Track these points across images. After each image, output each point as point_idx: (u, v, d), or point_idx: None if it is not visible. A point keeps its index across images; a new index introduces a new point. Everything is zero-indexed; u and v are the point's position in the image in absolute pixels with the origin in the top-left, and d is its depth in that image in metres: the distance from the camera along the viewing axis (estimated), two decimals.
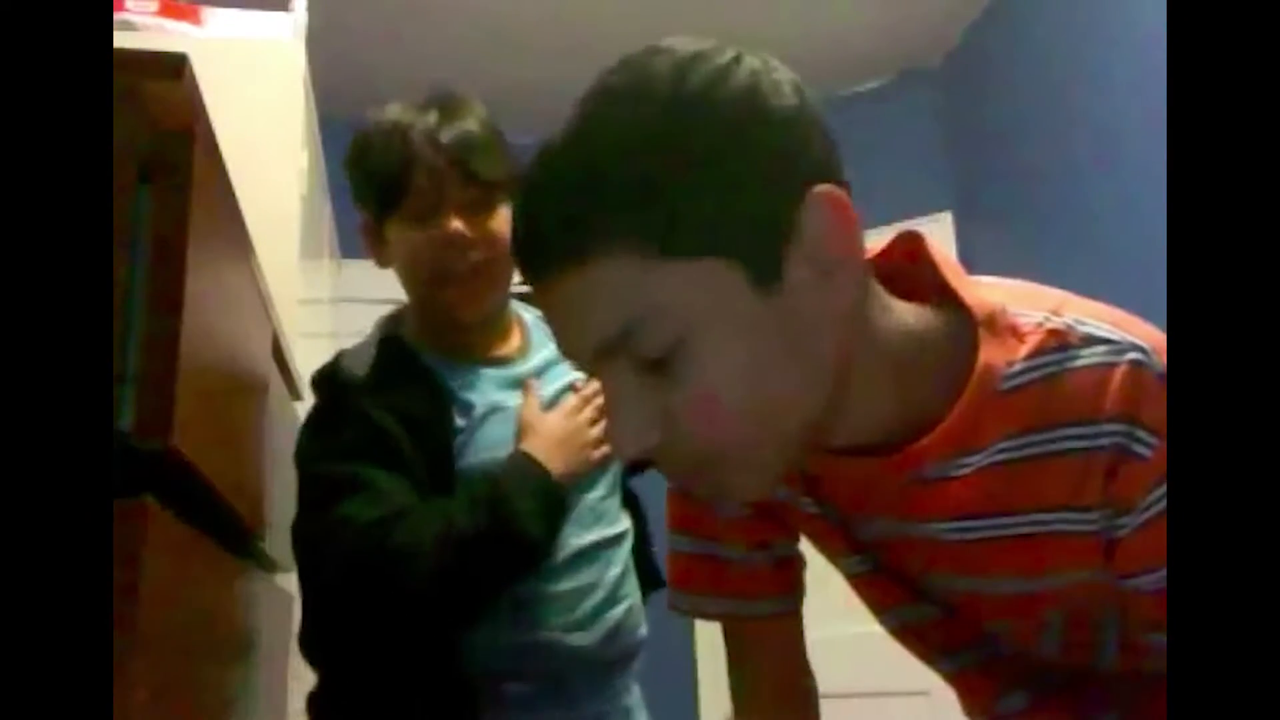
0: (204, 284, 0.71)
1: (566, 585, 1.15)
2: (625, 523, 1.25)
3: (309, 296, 1.77)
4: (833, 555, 0.76)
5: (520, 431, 1.14)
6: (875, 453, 0.65)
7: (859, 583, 0.76)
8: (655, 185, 0.55)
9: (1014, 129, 2.85)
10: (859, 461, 0.66)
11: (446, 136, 1.13)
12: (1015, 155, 2.83)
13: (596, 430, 1.15)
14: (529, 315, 1.28)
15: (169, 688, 0.67)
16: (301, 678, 1.45)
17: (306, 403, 1.45)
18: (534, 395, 1.17)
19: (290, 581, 1.30)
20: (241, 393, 0.94)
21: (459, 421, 1.14)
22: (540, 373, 1.22)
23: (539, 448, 1.11)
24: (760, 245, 0.57)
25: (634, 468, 1.29)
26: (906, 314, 0.65)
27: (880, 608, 0.76)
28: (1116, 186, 2.39)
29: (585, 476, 1.17)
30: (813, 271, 0.58)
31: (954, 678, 0.76)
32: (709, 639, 3.10)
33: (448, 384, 1.15)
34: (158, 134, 0.65)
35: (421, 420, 1.10)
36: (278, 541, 1.16)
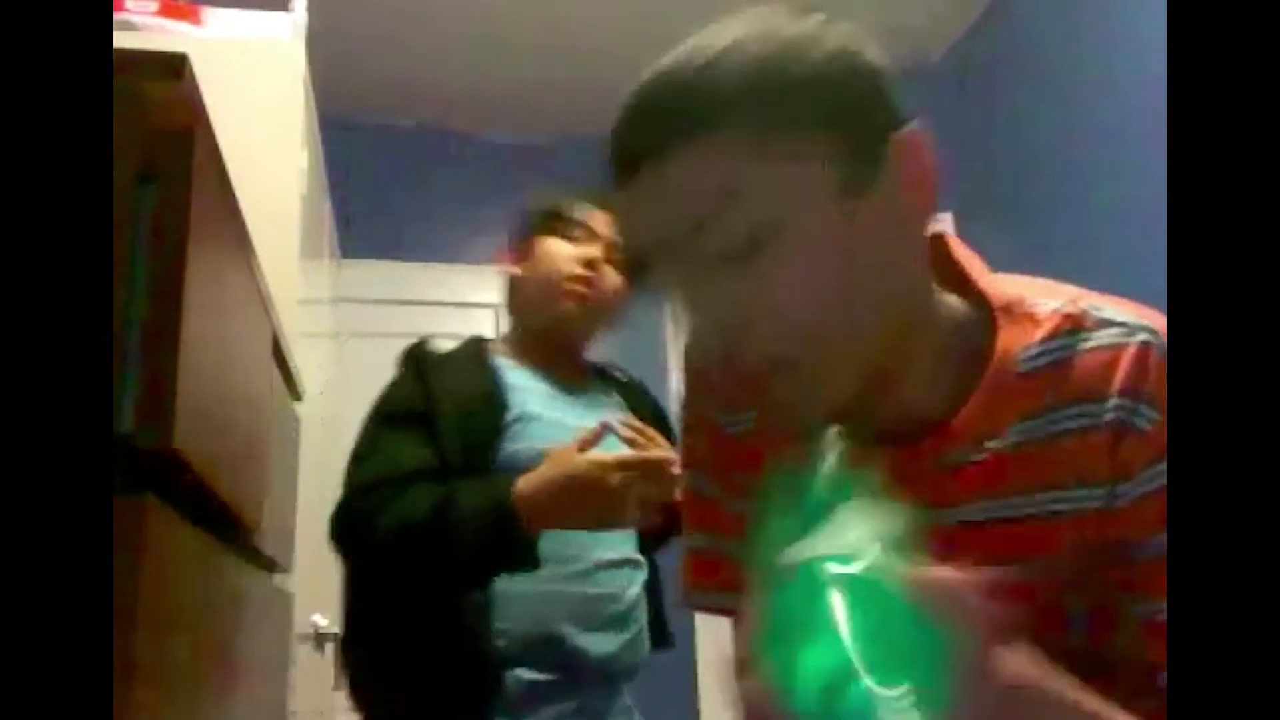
0: (204, 284, 0.71)
1: (590, 590, 1.30)
2: (642, 556, 1.42)
3: (309, 296, 1.77)
4: None
5: (544, 457, 1.23)
6: (897, 442, 0.66)
7: None
8: (765, 88, 0.59)
9: (1015, 129, 2.85)
10: (883, 451, 0.67)
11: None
12: (1016, 156, 2.83)
13: (619, 488, 1.20)
14: (595, 374, 1.55)
15: (169, 687, 0.67)
16: (302, 677, 1.45)
17: (307, 403, 1.45)
18: (581, 436, 1.25)
19: (289, 581, 1.30)
20: (241, 393, 0.94)
21: (511, 411, 1.34)
22: (594, 404, 1.46)
23: (538, 482, 1.19)
24: (855, 156, 0.61)
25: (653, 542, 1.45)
26: (947, 301, 0.68)
27: None
28: (1118, 186, 2.38)
29: (586, 526, 1.25)
30: (893, 202, 0.61)
31: None
32: (710, 642, 3.10)
33: (507, 379, 1.38)
34: (158, 134, 0.65)
35: (470, 396, 1.32)
36: (277, 542, 1.16)
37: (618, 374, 1.62)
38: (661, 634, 1.44)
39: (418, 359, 1.39)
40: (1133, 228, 2.27)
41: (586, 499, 1.18)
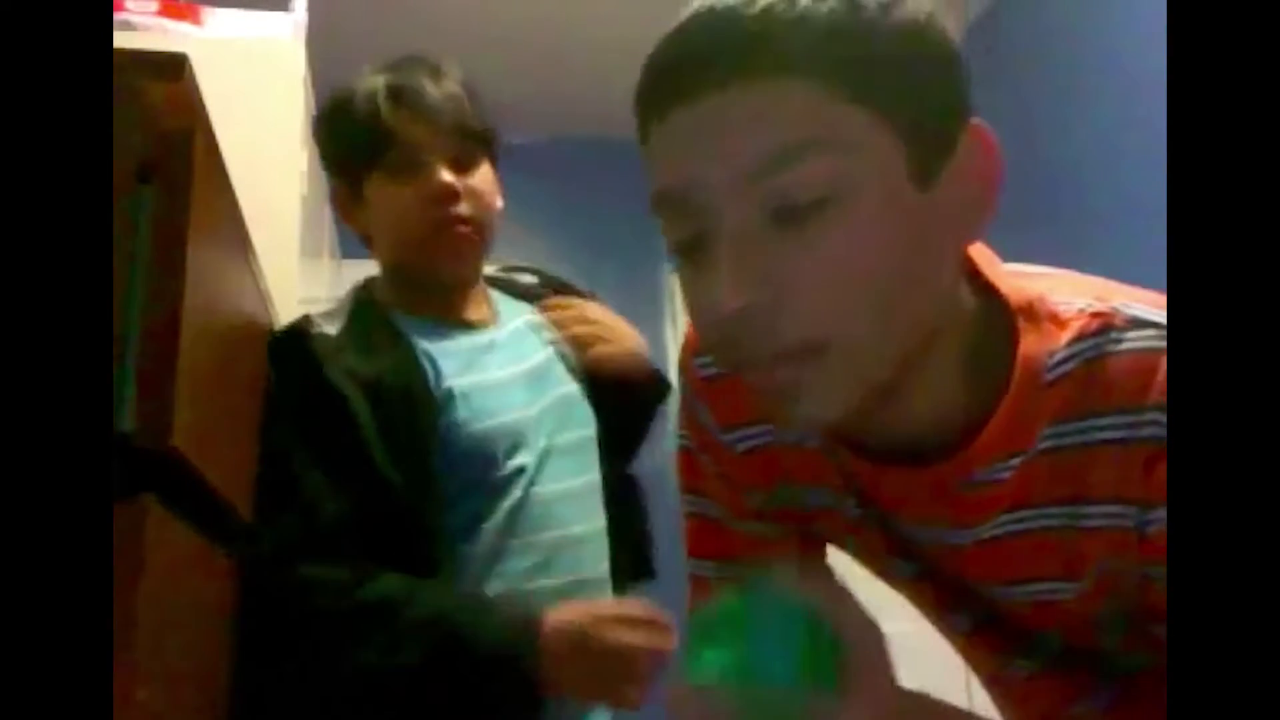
0: (204, 284, 0.71)
1: (553, 581, 1.11)
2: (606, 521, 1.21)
3: (309, 296, 1.77)
4: (878, 560, 0.72)
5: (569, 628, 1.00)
6: (918, 460, 0.62)
7: (907, 586, 0.72)
8: (848, 34, 0.53)
9: (1015, 127, 2.85)
10: (906, 472, 0.63)
11: (430, 91, 1.12)
12: (1017, 154, 2.82)
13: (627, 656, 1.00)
14: (495, 293, 1.27)
15: (169, 686, 0.67)
16: None
17: None
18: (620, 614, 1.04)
19: None
20: (241, 392, 0.94)
21: (443, 384, 1.09)
22: (514, 341, 1.19)
23: (567, 653, 0.98)
24: (926, 141, 0.55)
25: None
26: (962, 300, 0.62)
27: (936, 613, 0.72)
28: (1120, 185, 2.38)
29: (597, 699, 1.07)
30: (957, 197, 0.57)
31: (964, 640, 0.73)
32: None
33: (421, 345, 1.11)
34: (158, 134, 0.65)
35: (390, 386, 1.05)
36: None
37: (524, 279, 1.34)
38: (643, 566, 1.24)
39: (304, 346, 1.06)
40: (1135, 226, 2.27)
41: (610, 676, 1.00)
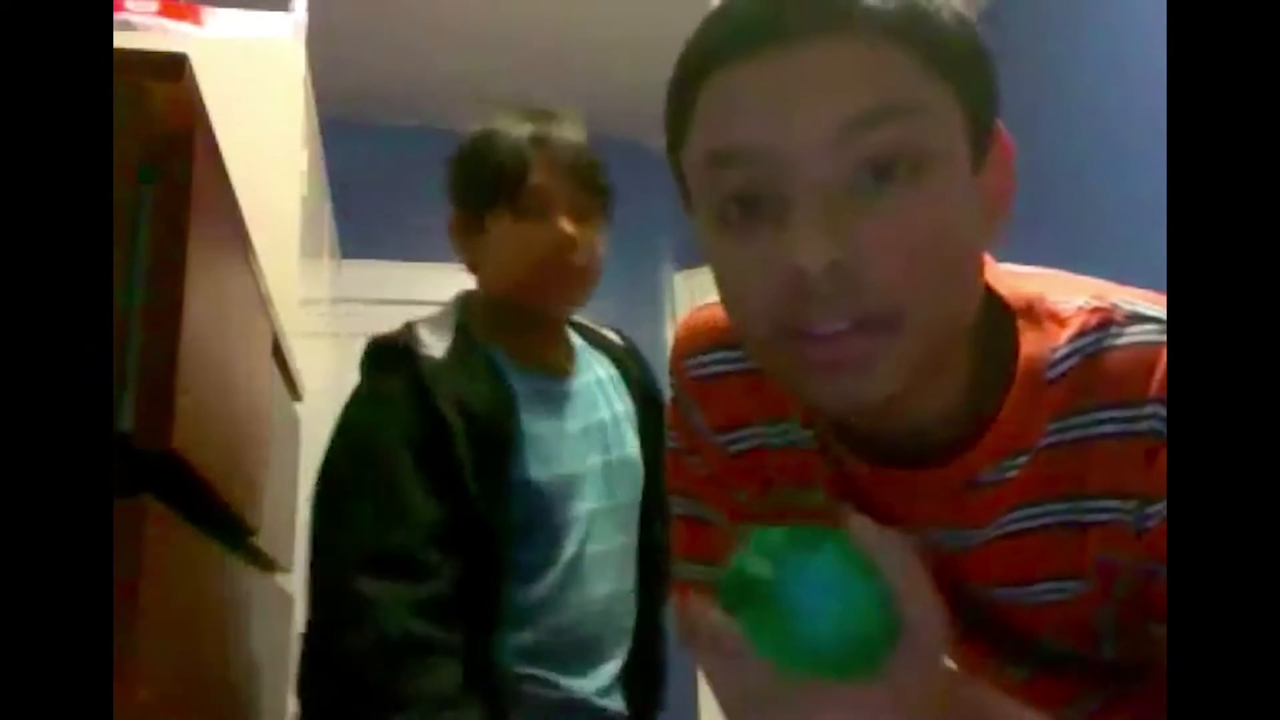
0: (204, 284, 0.71)
1: (582, 632, 1.18)
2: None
3: (309, 296, 1.77)
4: None
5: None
6: (919, 462, 0.62)
7: None
8: (923, 9, 0.54)
9: (1016, 126, 2.85)
10: (907, 475, 0.62)
11: (563, 144, 1.21)
12: (1018, 154, 2.83)
13: None
14: (577, 339, 1.33)
15: (169, 687, 0.67)
16: None
17: (307, 403, 1.45)
18: None
19: (290, 581, 1.30)
20: (241, 393, 0.94)
21: (519, 424, 1.15)
22: (588, 393, 1.26)
23: None
24: (980, 129, 0.56)
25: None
26: None
27: None
28: (1122, 185, 2.38)
29: None
30: (988, 195, 0.57)
31: (952, 646, 0.73)
32: None
33: (508, 381, 1.18)
34: (158, 134, 0.65)
35: (482, 414, 1.12)
36: (277, 542, 1.16)
37: (609, 335, 1.40)
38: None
39: (409, 363, 1.13)
40: (1137, 227, 2.27)
41: None
